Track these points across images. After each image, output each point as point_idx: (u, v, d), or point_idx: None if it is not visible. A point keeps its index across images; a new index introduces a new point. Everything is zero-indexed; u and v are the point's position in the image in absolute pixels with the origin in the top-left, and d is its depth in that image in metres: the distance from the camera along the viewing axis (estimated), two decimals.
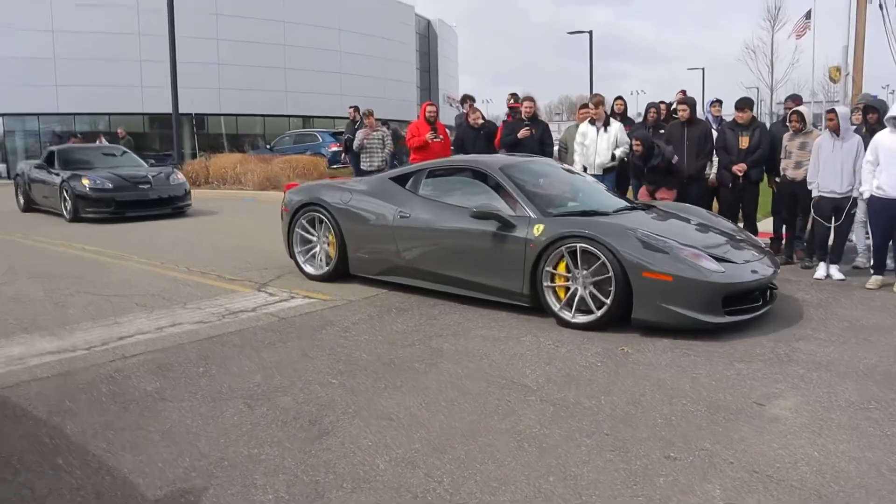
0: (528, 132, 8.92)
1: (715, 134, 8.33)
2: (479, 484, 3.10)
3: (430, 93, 54.66)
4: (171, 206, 13.33)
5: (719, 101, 10.93)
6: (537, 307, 5.64)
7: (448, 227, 6.16)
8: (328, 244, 7.05)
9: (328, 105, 37.83)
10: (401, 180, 6.87)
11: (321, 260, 7.14)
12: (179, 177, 14.09)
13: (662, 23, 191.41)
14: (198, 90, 31.62)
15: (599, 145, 8.48)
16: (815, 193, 7.18)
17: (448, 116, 37.25)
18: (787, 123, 7.62)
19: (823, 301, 6.28)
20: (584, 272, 5.32)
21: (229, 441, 3.54)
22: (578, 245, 5.32)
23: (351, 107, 14.52)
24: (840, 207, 6.99)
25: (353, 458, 3.35)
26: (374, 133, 12.08)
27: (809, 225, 7.51)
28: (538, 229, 5.57)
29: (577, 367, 4.58)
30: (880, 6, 25.93)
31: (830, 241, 7.17)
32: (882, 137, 6.63)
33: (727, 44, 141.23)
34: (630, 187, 8.62)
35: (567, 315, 5.42)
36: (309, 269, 7.21)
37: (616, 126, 8.57)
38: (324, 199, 7.02)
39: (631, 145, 8.09)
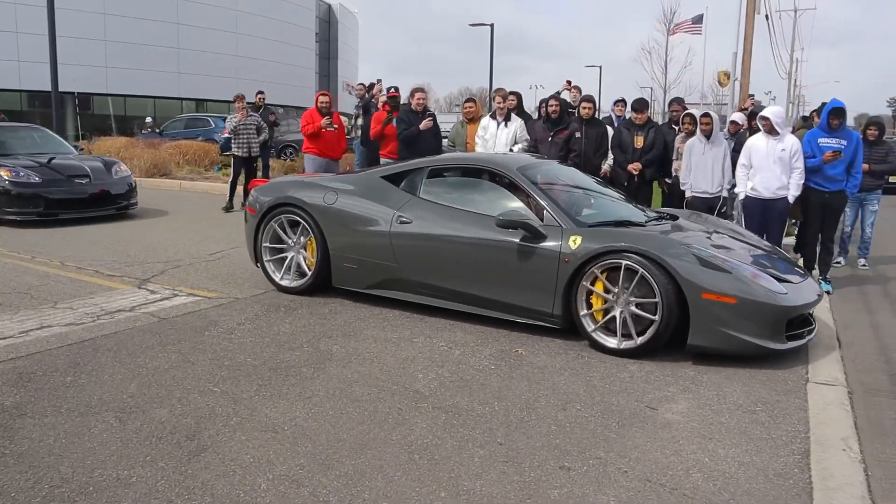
0: (430, 122, 8.76)
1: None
2: (368, 502, 2.93)
3: (330, 80, 53.82)
4: (115, 206, 10.66)
5: (623, 101, 11.11)
6: (568, 329, 5.06)
7: (461, 237, 5.37)
8: (306, 251, 6.18)
9: (223, 89, 36.57)
10: (394, 179, 6.04)
11: (294, 270, 6.23)
12: (123, 168, 11.29)
13: (563, 20, 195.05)
14: (82, 67, 29.96)
15: (499, 140, 8.43)
16: (688, 194, 7.48)
17: (347, 104, 36.68)
18: (680, 125, 7.79)
19: None
20: (626, 291, 4.74)
21: (96, 462, 3.22)
22: (625, 262, 4.70)
23: (259, 92, 14.00)
24: (712, 207, 7.25)
25: (233, 477, 3.10)
26: (248, 119, 11.64)
27: None
28: (574, 242, 4.91)
29: (470, 370, 4.46)
30: (766, 17, 27.13)
31: None
32: (755, 141, 6.90)
33: (624, 44, 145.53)
34: None
35: (609, 340, 4.82)
36: (283, 280, 6.26)
37: (517, 122, 8.54)
38: (302, 200, 6.08)
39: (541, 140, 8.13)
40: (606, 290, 4.83)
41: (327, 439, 3.47)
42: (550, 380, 4.34)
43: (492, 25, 37.85)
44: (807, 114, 17.09)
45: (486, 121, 8.64)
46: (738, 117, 8.39)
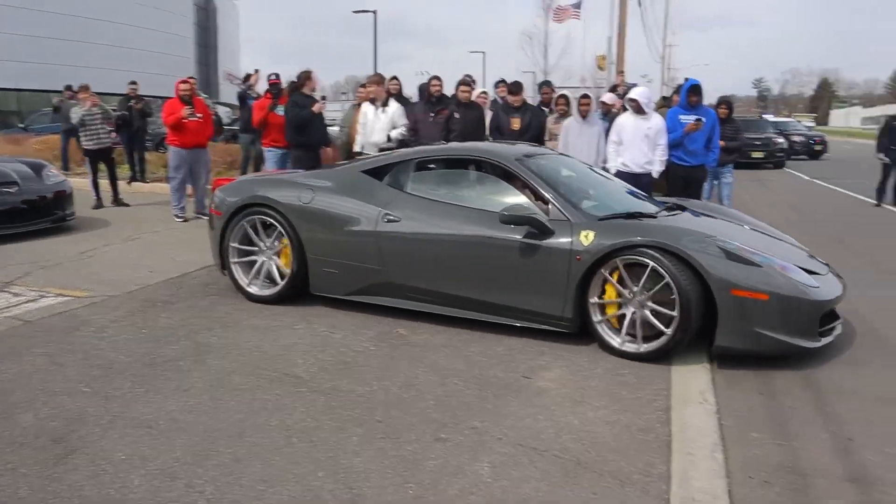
0: (323, 105, 8.69)
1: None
2: (245, 488, 2.93)
3: (210, 69, 52.16)
4: (51, 218, 8.82)
5: (504, 82, 11.32)
6: (581, 333, 4.68)
7: (457, 235, 4.93)
8: (279, 259, 5.63)
9: (94, 79, 34.72)
10: (376, 173, 5.51)
11: (265, 276, 5.69)
12: (53, 171, 9.53)
13: (447, 6, 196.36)
14: None
15: (376, 125, 8.44)
16: None
17: (230, 94, 35.66)
18: (553, 107, 8.06)
19: None
20: (643, 290, 4.40)
21: None
22: (642, 258, 4.33)
23: (131, 83, 13.38)
24: None
25: (104, 476, 3.02)
26: (94, 108, 10.91)
27: None
28: (586, 237, 4.51)
29: (351, 352, 4.50)
30: (639, 3, 28.29)
31: None
32: (623, 120, 7.30)
33: (507, 29, 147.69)
34: None
35: (627, 344, 4.47)
36: (252, 288, 5.67)
37: (394, 107, 8.56)
38: (274, 199, 5.52)
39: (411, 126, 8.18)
40: (621, 290, 4.48)
41: (204, 430, 3.43)
42: (430, 357, 4.44)
43: (375, 12, 37.69)
44: (667, 94, 17.97)
45: (366, 106, 8.63)
46: (609, 98, 8.76)
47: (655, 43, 43.14)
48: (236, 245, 5.72)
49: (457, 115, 8.18)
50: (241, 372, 4.16)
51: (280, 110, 9.00)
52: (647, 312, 4.39)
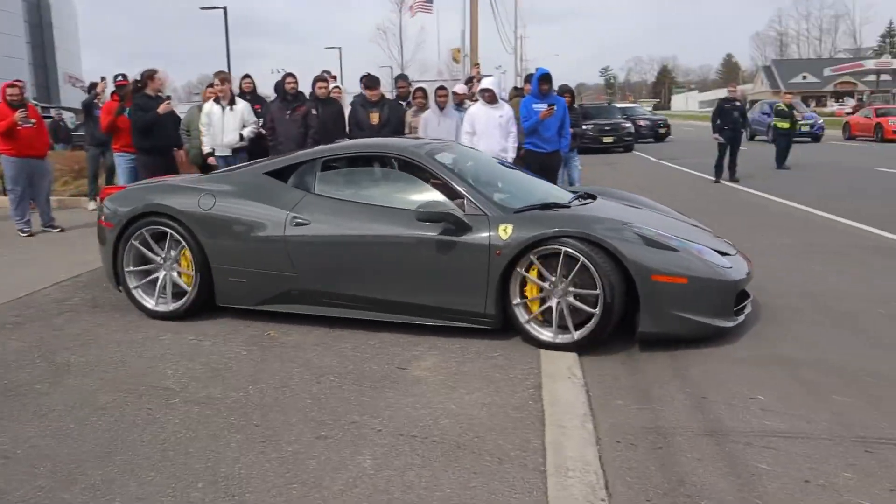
0: (169, 106, 8.28)
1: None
2: None
3: (48, 71, 48.85)
4: None
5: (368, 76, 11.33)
6: (505, 329, 4.61)
7: (370, 236, 4.76)
8: (180, 265, 5.24)
9: None
10: (280, 174, 5.24)
11: (167, 290, 5.28)
12: None
13: (300, 2, 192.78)
14: None
15: (227, 124, 8.19)
16: None
17: (72, 98, 33.54)
18: (411, 100, 8.16)
19: None
20: (565, 280, 4.35)
21: None
22: (564, 248, 4.30)
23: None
24: None
25: None
26: None
27: None
28: (505, 231, 4.43)
29: (222, 359, 4.39)
30: None
31: None
32: (475, 110, 7.53)
33: (362, 24, 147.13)
34: None
35: (546, 335, 4.44)
36: (149, 302, 5.29)
37: (242, 104, 8.35)
38: (171, 206, 5.14)
39: (264, 123, 8.03)
40: (542, 279, 4.44)
41: (69, 454, 3.25)
42: (303, 357, 4.41)
43: (225, 9, 36.53)
44: (519, 85, 18.62)
45: (208, 106, 8.29)
46: (460, 88, 8.97)
47: (508, 35, 44.38)
48: (132, 260, 5.32)
49: (314, 112, 8.11)
50: (106, 389, 3.96)
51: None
52: (572, 299, 4.36)
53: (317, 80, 8.43)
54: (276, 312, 5.13)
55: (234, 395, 3.85)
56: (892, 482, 2.85)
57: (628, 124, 24.48)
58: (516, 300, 4.50)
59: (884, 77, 62.25)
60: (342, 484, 2.93)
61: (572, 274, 4.32)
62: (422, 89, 8.18)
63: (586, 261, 4.24)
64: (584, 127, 17.08)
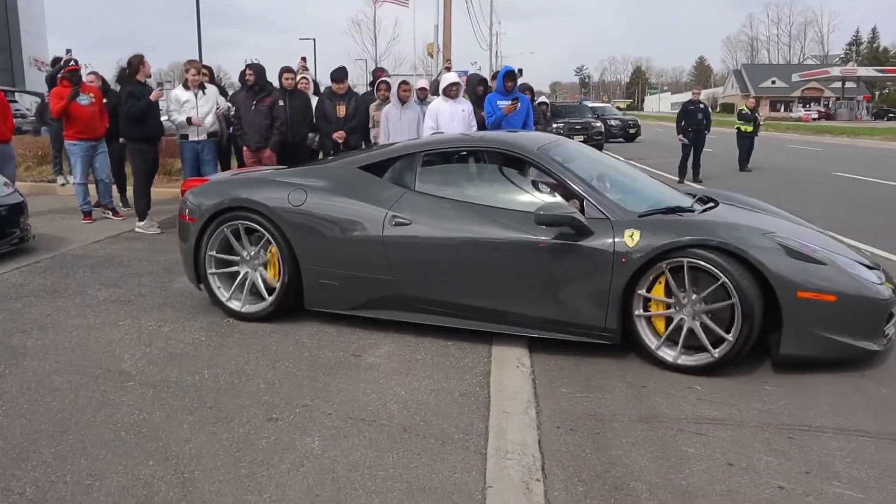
0: (161, 93, 8.28)
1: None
2: (71, 484, 2.89)
3: (13, 54, 47.99)
4: (7, 241, 6.81)
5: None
6: (624, 344, 4.26)
7: (479, 239, 4.35)
8: (265, 271, 4.95)
9: None
10: (376, 169, 4.88)
11: (249, 291, 4.96)
12: (2, 180, 7.44)
13: None
14: None
15: (201, 109, 8.21)
16: None
17: (37, 83, 33.04)
18: (376, 93, 8.26)
19: None
20: (696, 294, 3.98)
21: None
22: (698, 260, 3.89)
23: None
24: None
25: None
26: None
27: None
28: (631, 237, 4.02)
29: (180, 344, 4.47)
30: None
31: None
32: (438, 105, 7.64)
33: (337, 16, 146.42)
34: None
35: (669, 354, 4.08)
36: (234, 304, 4.98)
37: (213, 89, 8.38)
38: (259, 202, 4.80)
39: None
40: (669, 295, 4.06)
41: (22, 433, 3.31)
42: (261, 343, 4.50)
43: None
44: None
45: (177, 92, 8.23)
46: (424, 83, 9.07)
47: (483, 32, 44.56)
48: (215, 254, 5.02)
49: (281, 103, 8.16)
50: (63, 372, 4.02)
51: (84, 99, 8.35)
52: (706, 318, 3.98)
53: (283, 71, 8.46)
54: None
55: (189, 378, 3.93)
56: (808, 466, 3.03)
57: (599, 124, 24.72)
58: (639, 313, 4.14)
59: (849, 84, 63.58)
60: (289, 463, 3.03)
61: (708, 288, 3.93)
62: (385, 82, 8.30)
63: (722, 274, 3.85)
64: (554, 126, 17.36)
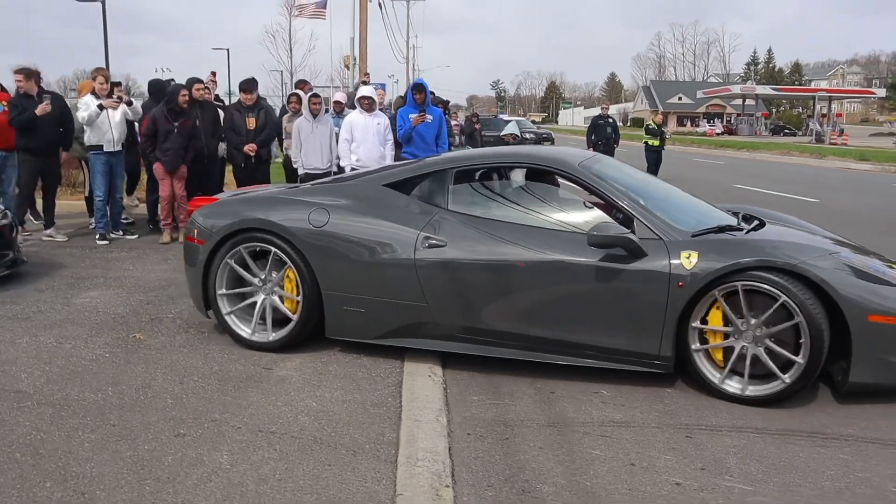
0: (48, 106, 7.86)
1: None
2: None
3: None
4: (2, 263, 6.23)
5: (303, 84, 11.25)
6: (678, 373, 4.05)
7: (527, 261, 4.04)
8: (282, 289, 4.57)
9: None
10: (402, 187, 4.56)
11: (264, 318, 4.59)
12: None
13: None
14: None
15: (113, 119, 7.94)
16: (300, 171, 8.00)
17: None
18: (287, 105, 8.22)
19: None
20: (757, 319, 3.74)
21: None
22: (756, 283, 3.67)
23: None
24: None
25: None
26: None
27: None
28: (688, 259, 3.78)
29: (82, 361, 4.32)
30: (380, 5, 29.12)
31: None
32: (353, 118, 7.68)
33: (251, 26, 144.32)
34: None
35: (734, 387, 3.84)
36: (244, 331, 4.60)
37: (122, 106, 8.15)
38: (276, 223, 4.43)
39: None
40: (726, 323, 3.83)
41: None
42: (168, 358, 4.40)
43: (103, 1, 34.97)
44: (403, 94, 18.98)
45: (87, 100, 7.95)
46: (341, 96, 9.08)
47: (400, 45, 44.76)
48: (226, 283, 4.65)
49: (198, 123, 8.00)
50: None
51: None
52: (770, 342, 3.75)
53: (193, 82, 8.29)
54: (144, 315, 5.06)
55: (92, 396, 3.81)
56: (703, 463, 3.19)
57: (515, 136, 25.24)
58: (695, 344, 3.91)
59: (749, 101, 66.87)
60: (196, 479, 2.98)
61: (767, 311, 3.70)
62: (296, 94, 8.27)
63: (783, 293, 3.63)
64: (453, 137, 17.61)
